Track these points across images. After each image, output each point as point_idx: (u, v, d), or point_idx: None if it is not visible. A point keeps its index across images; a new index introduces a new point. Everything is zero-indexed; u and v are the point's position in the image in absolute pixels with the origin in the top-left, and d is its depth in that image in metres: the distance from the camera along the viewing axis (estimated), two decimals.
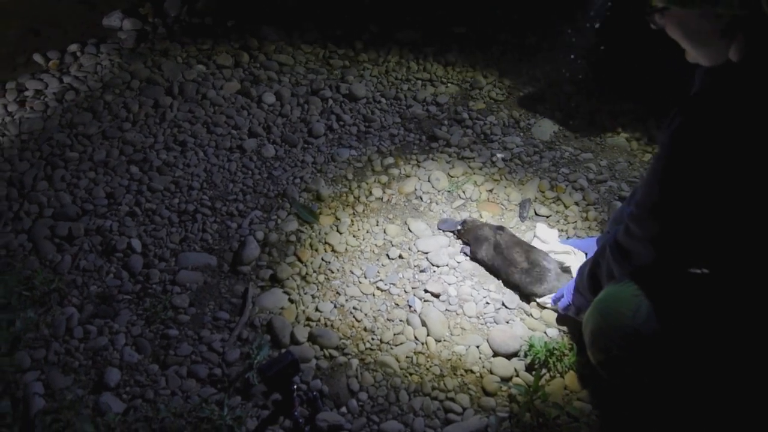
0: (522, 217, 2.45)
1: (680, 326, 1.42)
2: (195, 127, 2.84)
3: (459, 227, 2.30)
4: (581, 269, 1.83)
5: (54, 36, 3.42)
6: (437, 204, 2.50)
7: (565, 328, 2.05)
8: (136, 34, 3.40)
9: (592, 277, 1.72)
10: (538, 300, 2.11)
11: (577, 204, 2.48)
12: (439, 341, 2.04)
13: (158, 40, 3.36)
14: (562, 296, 1.98)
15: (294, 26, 3.41)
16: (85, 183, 2.60)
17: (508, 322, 2.09)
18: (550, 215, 2.45)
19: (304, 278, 2.23)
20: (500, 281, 2.19)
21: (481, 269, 2.25)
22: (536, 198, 2.52)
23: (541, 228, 2.34)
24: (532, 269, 2.08)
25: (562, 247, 2.22)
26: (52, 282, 2.17)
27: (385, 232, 2.38)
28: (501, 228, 2.21)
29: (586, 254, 2.14)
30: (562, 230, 2.38)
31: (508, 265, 2.13)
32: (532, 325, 2.07)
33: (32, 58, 3.26)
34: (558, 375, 1.93)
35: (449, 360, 1.99)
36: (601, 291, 1.62)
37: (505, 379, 1.94)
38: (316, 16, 3.48)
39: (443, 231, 2.36)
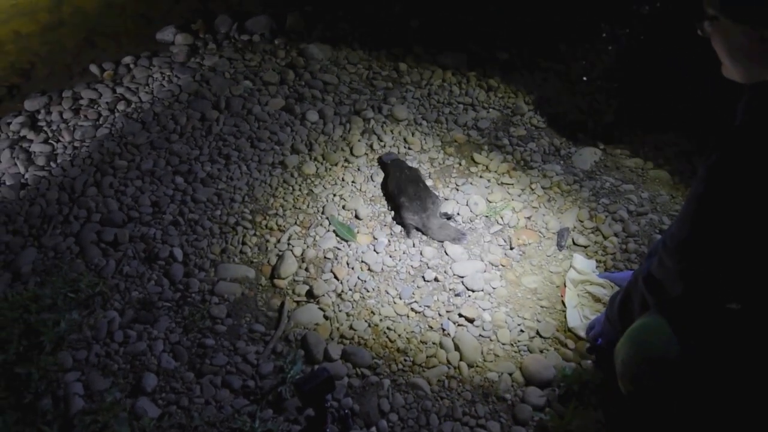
0: (560, 246, 2.43)
1: (712, 360, 1.40)
2: (239, 141, 2.91)
3: (387, 161, 2.71)
4: (612, 298, 1.82)
5: (110, 48, 3.56)
6: (475, 229, 2.50)
7: (595, 359, 2.02)
8: (188, 49, 3.50)
9: (623, 307, 1.71)
10: (569, 327, 2.10)
11: (616, 235, 2.46)
12: (472, 366, 2.03)
13: (208, 55, 3.46)
14: (594, 327, 1.97)
15: (340, 46, 3.48)
16: (131, 191, 2.69)
17: (541, 351, 2.08)
18: (589, 245, 2.43)
19: (339, 296, 2.25)
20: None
21: (514, 297, 2.24)
22: (575, 227, 2.51)
23: (579, 258, 2.33)
24: (415, 201, 2.44)
25: (598, 280, 2.21)
26: (96, 285, 2.24)
27: (421, 254, 2.39)
28: (414, 169, 2.65)
29: None
30: (600, 261, 2.36)
31: (400, 193, 2.49)
32: (566, 356, 2.06)
33: (88, 68, 3.40)
34: (590, 406, 1.90)
35: (481, 386, 1.98)
36: (634, 321, 1.61)
37: (537, 409, 1.92)
38: (362, 36, 3.54)
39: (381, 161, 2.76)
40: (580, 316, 2.13)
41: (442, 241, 2.42)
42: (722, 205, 1.27)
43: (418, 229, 2.46)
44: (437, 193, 2.61)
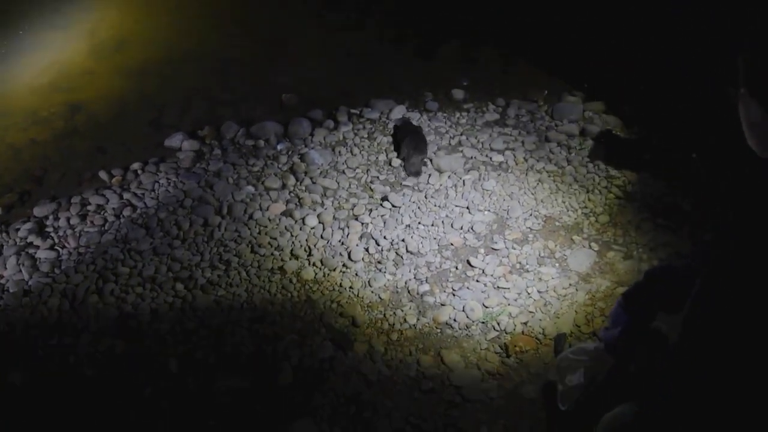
0: (557, 353, 2.40)
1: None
2: (240, 246, 2.95)
3: (397, 123, 3.69)
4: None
5: (119, 154, 3.69)
6: (471, 336, 2.49)
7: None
8: (194, 155, 3.62)
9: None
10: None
11: None
12: None
13: (213, 160, 3.57)
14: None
15: (340, 151, 3.59)
16: (132, 298, 2.70)
17: None
18: None
19: (335, 409, 2.21)
20: None
21: (513, 408, 2.20)
22: (572, 332, 2.48)
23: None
24: (411, 144, 3.47)
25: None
26: None
27: (418, 363, 2.37)
28: (418, 126, 3.63)
29: None
30: None
31: (404, 138, 3.50)
32: None
33: (98, 174, 3.51)
34: None
35: None
36: None
37: None
38: (362, 142, 3.66)
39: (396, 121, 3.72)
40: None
41: (410, 174, 3.38)
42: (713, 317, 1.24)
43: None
44: (429, 148, 3.50)
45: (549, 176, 3.37)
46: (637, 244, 2.93)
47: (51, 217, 3.21)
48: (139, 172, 3.51)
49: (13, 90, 4.21)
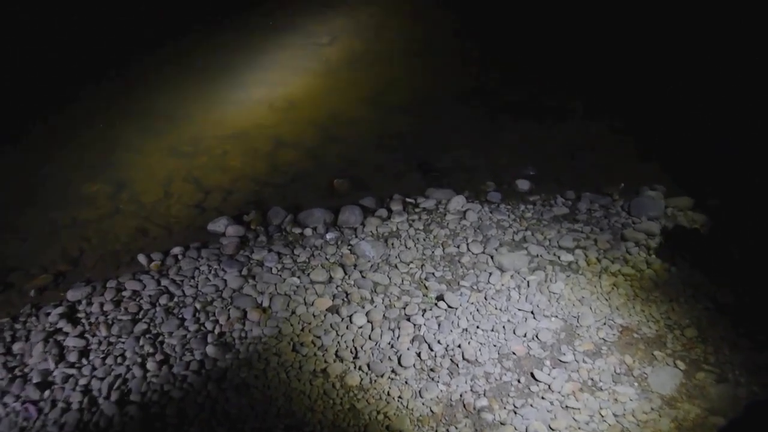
0: None
1: None
2: (280, 344, 2.95)
3: None
4: None
5: (160, 237, 3.81)
6: None
7: None
8: (238, 241, 3.70)
9: None
10: None
11: None
12: None
13: (257, 248, 3.64)
14: None
15: (393, 244, 3.61)
16: (158, 397, 2.70)
17: None
18: None
19: None
20: None
21: None
22: None
23: None
24: None
25: None
26: None
27: None
28: None
29: None
30: None
31: None
32: None
33: (136, 257, 3.61)
34: None
35: None
36: None
37: None
38: (417, 234, 3.69)
39: None
40: None
41: None
42: None
43: None
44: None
45: (625, 280, 3.28)
46: (732, 364, 2.76)
47: (84, 301, 3.30)
48: (180, 257, 3.60)
49: None
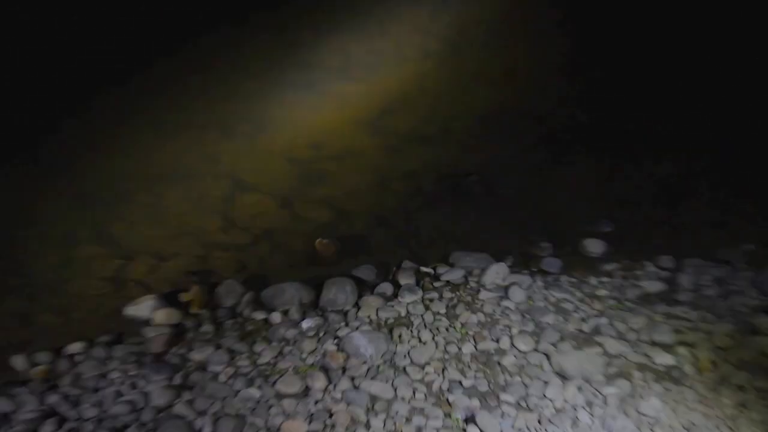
0: None
1: None
2: None
3: None
4: None
5: (52, 327, 3.26)
6: None
7: None
8: (170, 332, 3.19)
9: None
10: None
11: None
12: None
13: (198, 342, 3.11)
14: None
15: (401, 335, 3.05)
16: None
17: None
18: None
19: None
20: None
21: None
22: None
23: None
24: None
25: None
26: None
27: None
28: None
29: None
30: None
31: None
32: None
33: (9, 360, 3.04)
34: None
35: None
36: None
37: None
38: (437, 322, 3.15)
39: None
40: None
41: None
42: None
43: None
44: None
45: (759, 396, 2.72)
46: None
47: None
48: (79, 358, 3.04)
49: None
